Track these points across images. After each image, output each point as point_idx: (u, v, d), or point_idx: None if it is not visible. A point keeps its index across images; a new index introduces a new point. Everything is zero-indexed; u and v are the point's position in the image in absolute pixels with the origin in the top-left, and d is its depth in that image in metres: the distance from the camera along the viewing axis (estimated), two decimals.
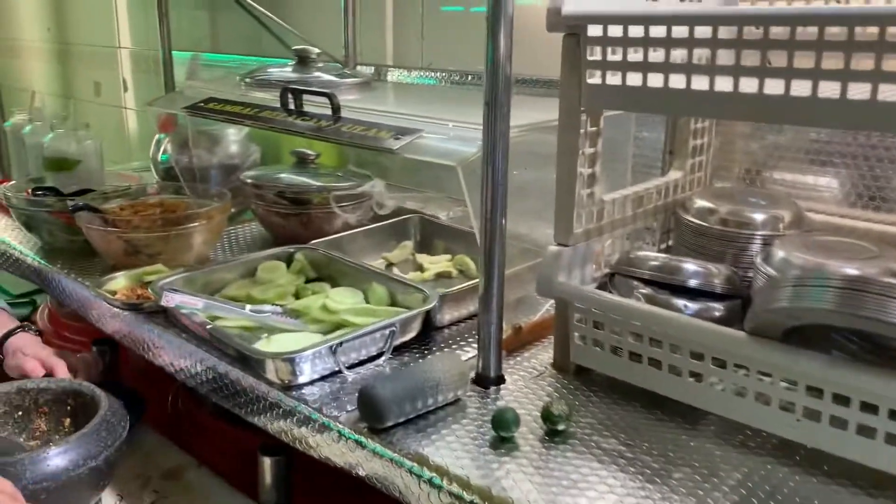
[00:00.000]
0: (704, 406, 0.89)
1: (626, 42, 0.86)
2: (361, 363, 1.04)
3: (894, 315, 0.70)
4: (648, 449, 0.85)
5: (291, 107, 1.28)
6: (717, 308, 0.93)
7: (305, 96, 1.28)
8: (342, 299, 1.20)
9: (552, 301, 1.04)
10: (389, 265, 1.42)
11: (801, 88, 0.75)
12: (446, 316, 1.17)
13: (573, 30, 0.90)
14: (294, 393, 0.97)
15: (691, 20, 0.82)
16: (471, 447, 0.85)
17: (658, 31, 0.83)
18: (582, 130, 0.94)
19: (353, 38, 1.80)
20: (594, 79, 0.91)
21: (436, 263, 1.39)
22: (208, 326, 1.09)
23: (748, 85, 0.78)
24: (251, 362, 1.02)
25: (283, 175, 1.57)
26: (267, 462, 1.06)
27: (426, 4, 1.71)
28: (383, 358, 1.05)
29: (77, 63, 2.94)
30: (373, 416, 0.88)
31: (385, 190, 1.50)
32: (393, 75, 1.78)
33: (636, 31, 0.85)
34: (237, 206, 1.61)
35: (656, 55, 0.85)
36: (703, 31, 0.81)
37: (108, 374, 1.35)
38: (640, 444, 0.86)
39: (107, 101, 2.80)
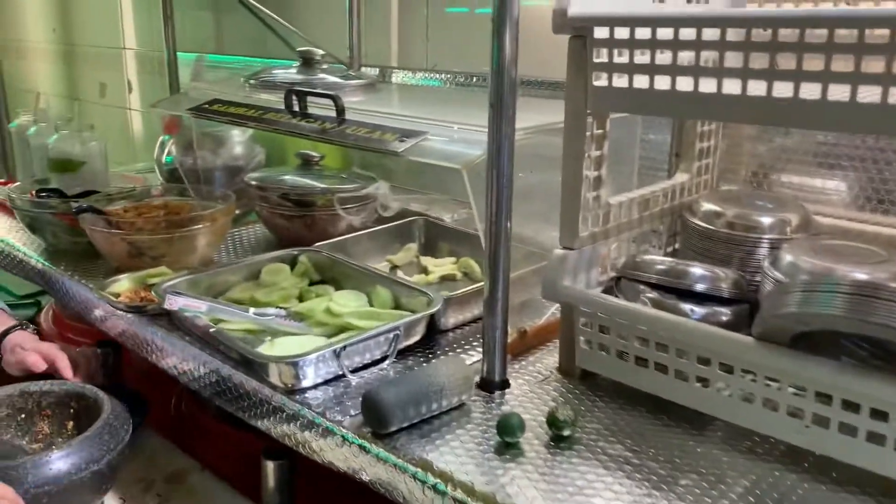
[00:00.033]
0: (711, 412, 0.88)
1: (632, 44, 0.86)
2: (365, 367, 1.03)
3: None
4: (655, 455, 0.84)
5: (296, 108, 1.28)
6: (725, 312, 0.92)
7: (310, 98, 1.28)
8: (346, 302, 1.19)
9: (557, 305, 1.03)
10: (393, 268, 1.41)
11: (810, 91, 0.74)
12: (451, 319, 1.16)
13: (579, 31, 0.89)
14: (297, 397, 0.97)
15: (699, 22, 0.81)
16: (475, 453, 0.85)
17: (665, 34, 0.83)
18: (588, 133, 0.93)
19: (358, 40, 1.79)
20: (600, 81, 0.90)
21: (440, 266, 1.38)
22: (211, 329, 1.09)
23: (756, 88, 0.78)
24: (255, 366, 1.02)
25: (287, 177, 1.57)
26: (270, 466, 1.06)
27: (431, 6, 1.71)
28: (387, 362, 1.04)
29: (82, 64, 2.95)
30: (376, 420, 0.87)
31: (389, 192, 1.50)
32: (398, 77, 1.78)
33: (643, 32, 0.84)
34: (241, 207, 1.61)
35: (663, 57, 0.84)
36: (711, 34, 0.80)
37: (111, 377, 1.35)
38: (646, 449, 0.85)
39: (111, 102, 2.81)
